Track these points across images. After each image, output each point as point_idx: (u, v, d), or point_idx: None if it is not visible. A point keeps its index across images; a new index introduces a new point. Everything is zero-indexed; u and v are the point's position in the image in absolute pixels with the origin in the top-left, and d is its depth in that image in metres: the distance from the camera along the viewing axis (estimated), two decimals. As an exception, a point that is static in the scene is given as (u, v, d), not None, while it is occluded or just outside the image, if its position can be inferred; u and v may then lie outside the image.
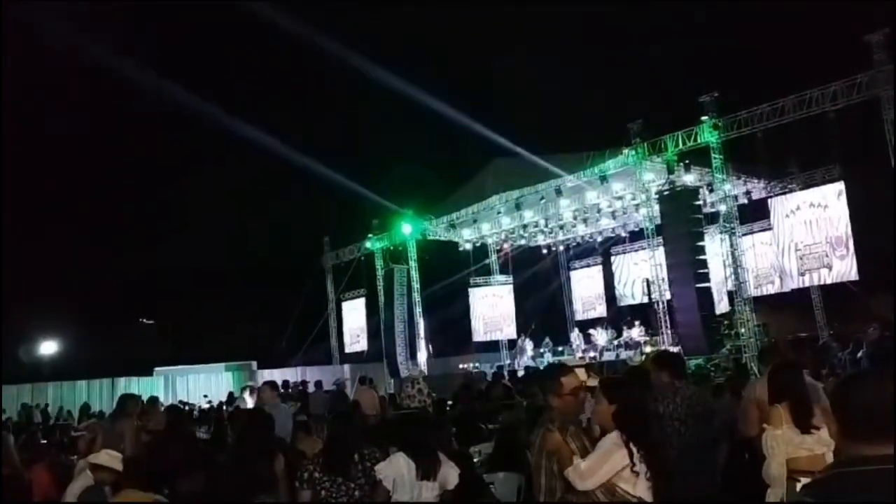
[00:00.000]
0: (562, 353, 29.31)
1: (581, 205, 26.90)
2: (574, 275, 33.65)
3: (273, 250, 32.29)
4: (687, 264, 20.87)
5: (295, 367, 30.30)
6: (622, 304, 30.87)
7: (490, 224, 30.04)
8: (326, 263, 34.03)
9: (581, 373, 5.08)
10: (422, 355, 28.92)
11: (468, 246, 30.62)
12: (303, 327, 31.76)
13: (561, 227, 29.60)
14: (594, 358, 25.81)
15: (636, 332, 26.01)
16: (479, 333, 31.41)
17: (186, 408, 17.71)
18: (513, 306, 31.97)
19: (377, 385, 19.22)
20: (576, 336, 28.92)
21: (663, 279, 22.78)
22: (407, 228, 29.03)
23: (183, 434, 7.85)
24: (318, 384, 18.96)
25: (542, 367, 27.26)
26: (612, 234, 30.48)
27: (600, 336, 27.68)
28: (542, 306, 33.08)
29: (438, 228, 30.10)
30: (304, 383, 22.11)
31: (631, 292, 30.37)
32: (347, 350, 33.12)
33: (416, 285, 29.53)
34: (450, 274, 31.37)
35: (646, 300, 25.79)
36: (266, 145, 28.72)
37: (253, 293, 32.65)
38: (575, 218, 27.82)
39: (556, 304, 33.86)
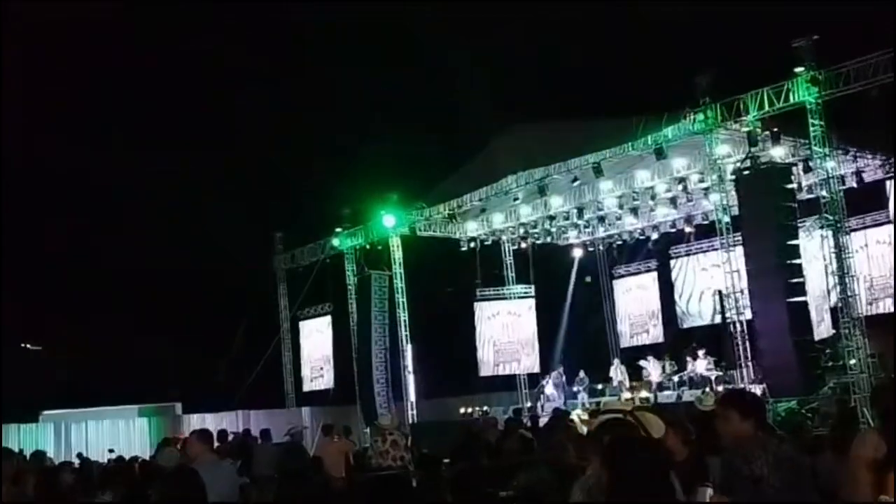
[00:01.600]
0: (602, 393, 29.62)
1: (629, 188, 27.15)
2: (619, 285, 33.95)
3: (206, 251, 32.27)
4: (774, 271, 21.02)
5: (235, 410, 30.34)
6: (684, 325, 31.25)
7: (504, 215, 30.41)
8: (278, 268, 34.32)
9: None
10: (410, 393, 29.11)
11: (473, 245, 30.96)
12: (246, 356, 31.79)
13: (601, 220, 29.88)
14: (647, 400, 26.04)
15: (703, 365, 26.33)
16: (489, 366, 31.74)
17: (82, 465, 17.61)
18: (534, 328, 32.33)
19: (348, 435, 19.26)
20: (620, 369, 29.40)
21: (741, 291, 22.89)
22: (389, 220, 29.21)
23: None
24: (266, 434, 19.00)
25: (575, 411, 27.97)
26: (672, 230, 30.79)
27: (654, 369, 28.19)
28: (576, 328, 33.51)
29: (433, 220, 30.33)
30: (246, 433, 22.16)
31: (697, 309, 30.63)
32: (307, 387, 33.36)
33: (401, 298, 29.69)
34: (448, 283, 31.59)
35: (717, 320, 25.92)
36: (197, 113, 28.98)
37: (178, 310, 32.52)
38: (621, 206, 28.04)
39: (595, 326, 34.20)
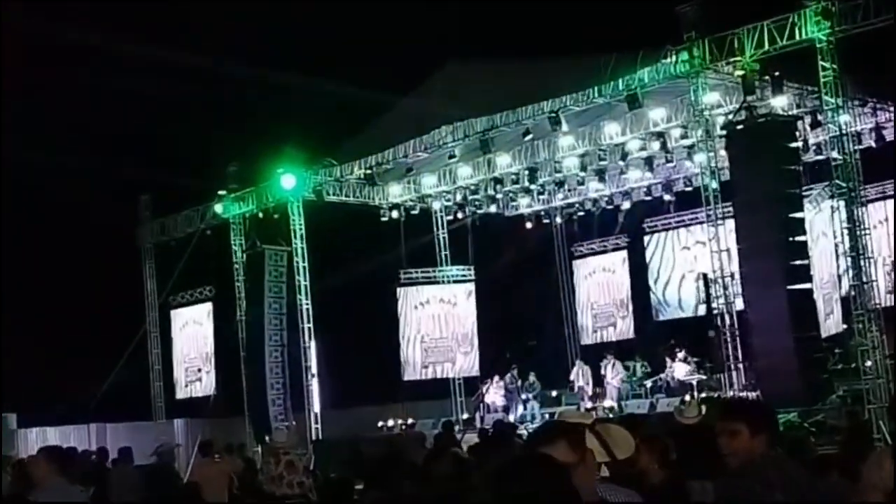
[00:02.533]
0: (557, 401, 29.88)
1: (594, 145, 27.41)
2: (580, 266, 34.22)
3: (45, 221, 31.58)
4: (773, 251, 21.32)
5: (86, 423, 29.92)
6: (661, 317, 31.70)
7: (436, 177, 30.63)
8: (144, 242, 33.96)
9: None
10: (314, 402, 29.04)
11: (397, 214, 31.02)
12: (101, 354, 31.27)
13: (559, 185, 30.05)
14: (611, 410, 26.32)
15: (683, 367, 26.70)
16: (415, 367, 31.87)
17: None
18: (474, 320, 32.53)
19: (235, 454, 19.11)
20: (583, 371, 29.61)
21: (731, 276, 23.16)
22: (288, 181, 29.01)
23: None
24: (127, 454, 18.75)
25: (523, 424, 28.67)
26: (647, 198, 31.16)
27: (619, 372, 28.47)
28: (526, 320, 33.73)
29: (345, 182, 30.23)
30: (102, 452, 21.86)
31: (676, 298, 31.05)
32: (181, 394, 33.13)
33: (303, 282, 29.57)
34: (365, 263, 31.48)
35: (701, 311, 26.29)
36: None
37: (10, 295, 31.77)
38: (583, 168, 28.22)
39: (550, 317, 34.47)
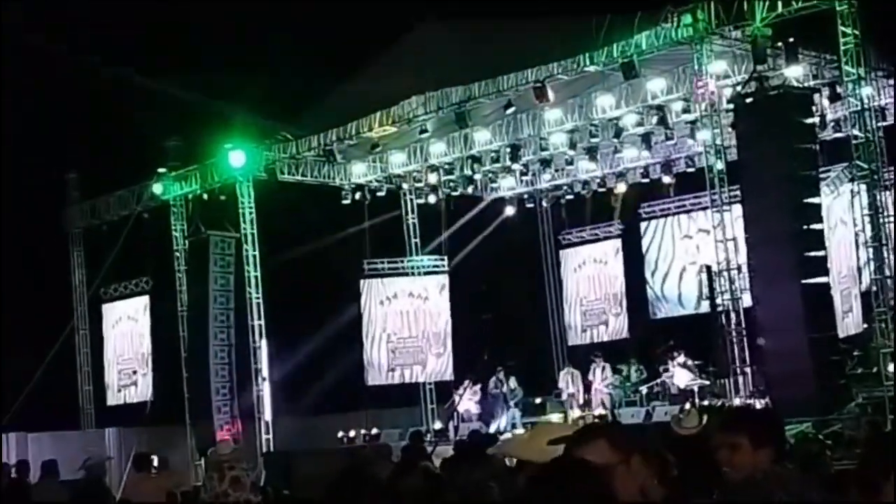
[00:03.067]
0: (541, 409, 30.10)
1: (584, 120, 27.46)
2: (569, 257, 34.36)
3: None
4: (785, 240, 21.45)
5: (5, 433, 29.70)
6: (658, 314, 31.83)
7: (406, 154, 30.61)
8: (71, 225, 33.85)
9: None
10: (265, 410, 28.99)
11: (361, 196, 31.06)
12: (21, 354, 31.06)
13: (545, 164, 30.03)
14: (602, 417, 26.42)
15: (683, 373, 26.82)
16: (380, 370, 31.94)
17: None
18: (447, 317, 32.61)
19: (174, 469, 19.07)
20: (572, 376, 29.80)
21: (738, 268, 23.27)
22: (237, 158, 28.89)
23: None
24: (51, 468, 18.62)
25: (501, 433, 28.30)
26: (644, 180, 31.32)
27: (608, 377, 28.72)
28: (506, 318, 33.81)
29: (301, 160, 30.17)
30: (22, 466, 21.75)
31: (676, 293, 31.18)
32: (113, 400, 33.05)
33: (253, 272, 29.51)
34: (323, 252, 31.41)
35: (704, 308, 26.42)
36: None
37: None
38: (572, 146, 28.23)
39: (533, 314, 34.62)
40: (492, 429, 28.11)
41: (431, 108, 26.60)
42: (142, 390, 32.35)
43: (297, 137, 28.84)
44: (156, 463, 19.03)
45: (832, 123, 25.41)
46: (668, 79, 25.53)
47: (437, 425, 29.82)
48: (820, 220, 21.77)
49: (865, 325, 23.67)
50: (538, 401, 30.06)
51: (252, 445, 27.66)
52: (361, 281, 32.07)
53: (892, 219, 22.38)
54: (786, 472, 6.14)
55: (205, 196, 30.22)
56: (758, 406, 21.31)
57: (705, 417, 12.65)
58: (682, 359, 26.95)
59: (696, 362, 26.61)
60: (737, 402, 23.47)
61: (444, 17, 25.94)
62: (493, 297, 33.89)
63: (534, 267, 34.63)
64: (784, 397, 21.00)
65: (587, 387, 29.23)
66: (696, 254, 29.59)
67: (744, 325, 23.49)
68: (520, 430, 28.09)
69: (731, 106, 23.11)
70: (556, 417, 28.14)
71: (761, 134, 21.95)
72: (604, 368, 28.90)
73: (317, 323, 31.03)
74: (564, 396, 29.42)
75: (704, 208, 26.68)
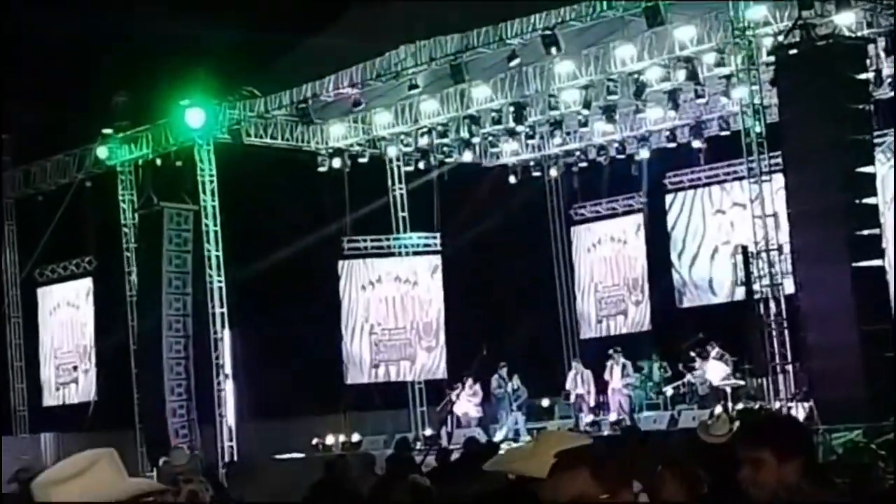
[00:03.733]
0: (549, 413, 30.32)
1: (601, 74, 27.37)
2: (582, 235, 34.42)
3: None
4: (835, 216, 21.39)
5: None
6: (685, 303, 31.97)
7: (392, 114, 30.43)
8: (1, 195, 33.46)
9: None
10: (228, 412, 29.01)
11: (340, 163, 31.07)
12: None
13: (555, 126, 29.93)
14: (618, 424, 26.53)
15: (718, 369, 26.91)
16: (362, 367, 32.01)
17: None
18: (440, 305, 32.62)
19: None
20: (582, 376, 29.76)
21: (779, 249, 23.29)
22: (195, 117, 28.77)
23: None
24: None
25: (506, 443, 28.35)
26: (670, 144, 31.21)
27: (629, 375, 28.81)
28: (509, 306, 33.88)
29: (270, 120, 30.04)
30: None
31: (707, 278, 31.26)
32: (50, 400, 33.08)
33: (214, 251, 29.46)
34: (296, 228, 31.32)
35: (738, 296, 26.45)
36: None
37: None
38: (587, 105, 28.18)
39: (540, 303, 34.66)
40: (496, 436, 28.13)
41: (422, 59, 26.50)
42: (84, 389, 32.30)
43: (265, 94, 28.72)
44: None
45: (889, 80, 25.29)
46: (698, 26, 25.45)
47: (428, 431, 29.89)
48: (874, 193, 21.73)
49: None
50: (545, 403, 30.10)
51: (212, 454, 27.63)
52: (340, 262, 32.09)
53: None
54: (814, 491, 6.15)
55: (158, 162, 30.10)
56: (798, 412, 21.26)
57: (736, 424, 12.67)
58: (717, 351, 26.92)
59: (729, 358, 26.63)
60: (776, 405, 23.50)
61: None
62: (493, 282, 33.86)
63: (541, 247, 34.66)
64: (831, 400, 21.02)
65: (603, 388, 29.20)
66: (729, 232, 29.63)
67: (785, 316, 23.48)
68: (525, 438, 28.20)
69: (772, 59, 23.03)
70: (562, 424, 28.07)
71: (806, 91, 21.89)
72: (623, 366, 28.85)
73: (288, 311, 30.88)
74: (572, 399, 29.40)
75: (740, 178, 26.70)
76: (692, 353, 27.61)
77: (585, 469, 4.64)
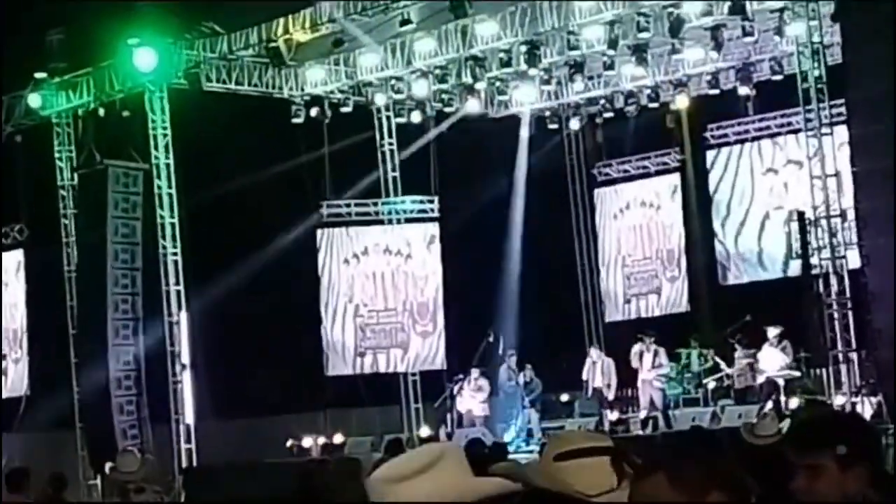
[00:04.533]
0: (569, 410, 30.41)
1: (630, 7, 27.31)
2: (606, 198, 34.62)
3: None
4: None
5: None
6: (730, 279, 32.08)
7: (380, 55, 30.34)
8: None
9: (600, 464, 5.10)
10: (186, 409, 29.13)
11: (318, 113, 31.14)
12: None
13: (574, 69, 29.93)
14: (650, 423, 26.75)
15: (773, 357, 26.93)
16: (346, 356, 32.18)
17: None
18: (439, 281, 32.73)
19: (60, 489, 19.17)
20: (601, 365, 30.10)
21: (842, 215, 23.41)
22: (145, 58, 28.71)
23: None
24: None
25: (513, 444, 28.36)
26: (712, 91, 31.35)
27: (662, 364, 29.02)
28: (521, 283, 33.92)
29: (235, 62, 30.02)
30: None
31: (755, 250, 31.39)
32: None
33: (168, 218, 29.52)
34: (266, 190, 31.34)
35: (793, 271, 26.64)
36: None
37: None
38: (612, 44, 28.21)
39: (558, 279, 34.84)
40: (505, 437, 28.23)
41: (418, -11, 26.60)
42: (14, 382, 32.33)
43: (229, 31, 28.72)
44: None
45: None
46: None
47: (425, 431, 30.03)
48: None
49: None
50: (564, 398, 30.18)
51: (167, 459, 27.74)
52: (319, 231, 32.22)
53: None
54: (885, 497, 6.19)
55: (100, 112, 29.98)
56: (864, 408, 21.33)
57: (786, 423, 12.73)
58: (775, 335, 26.84)
59: (785, 342, 26.63)
60: (838, 400, 23.58)
61: None
62: (501, 255, 33.87)
63: (559, 213, 34.76)
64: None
65: (630, 379, 29.28)
66: (783, 195, 29.68)
67: (849, 295, 23.52)
68: (538, 436, 28.33)
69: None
70: (584, 423, 28.13)
71: (876, 27, 21.86)
72: (655, 353, 28.88)
73: (257, 289, 30.89)
74: (589, 393, 29.57)
75: (795, 131, 26.75)
76: (736, 340, 27.64)
77: (662, 476, 4.68)
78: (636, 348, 29.13)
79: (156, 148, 29.70)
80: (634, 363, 29.11)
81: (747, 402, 25.97)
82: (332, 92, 31.35)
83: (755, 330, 27.58)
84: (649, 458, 4.62)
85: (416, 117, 32.30)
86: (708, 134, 32.24)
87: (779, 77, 29.39)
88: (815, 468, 6.05)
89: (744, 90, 30.74)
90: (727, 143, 31.89)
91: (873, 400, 22.30)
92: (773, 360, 26.77)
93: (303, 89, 31.12)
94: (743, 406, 25.65)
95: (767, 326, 27.14)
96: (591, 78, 31.25)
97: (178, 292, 29.56)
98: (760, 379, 27.03)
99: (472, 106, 32.32)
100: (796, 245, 25.07)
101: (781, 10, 26.02)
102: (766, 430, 13.20)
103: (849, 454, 6.14)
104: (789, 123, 28.97)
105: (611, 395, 29.49)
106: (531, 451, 25.99)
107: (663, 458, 4.60)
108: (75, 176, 30.96)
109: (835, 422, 7.16)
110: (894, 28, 21.54)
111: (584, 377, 29.97)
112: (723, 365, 28.27)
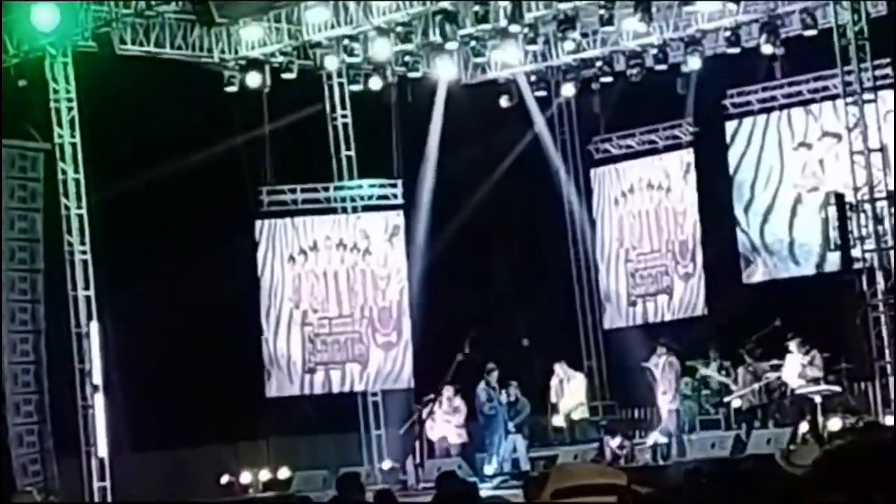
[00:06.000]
0: (564, 434, 30.31)
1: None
2: (606, 178, 34.71)
3: None
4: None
5: None
6: (756, 277, 32.19)
7: (330, 9, 30.24)
8: None
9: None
10: (98, 439, 28.99)
11: (257, 80, 31.14)
12: None
13: (567, 24, 29.87)
14: (660, 451, 26.59)
15: (797, 369, 26.91)
16: (292, 372, 32.22)
17: None
18: (404, 282, 32.83)
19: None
20: (563, 381, 30.34)
21: (889, 198, 23.26)
22: (45, 16, 28.63)
23: None
24: None
25: (494, 480, 28.57)
26: (732, 50, 31.11)
27: (671, 378, 29.17)
28: (503, 284, 33.99)
29: (154, 19, 29.86)
30: None
31: (786, 240, 31.44)
32: None
33: (74, 208, 29.45)
34: (195, 176, 31.23)
35: (831, 266, 26.69)
36: None
37: None
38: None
39: (547, 277, 34.81)
40: (486, 469, 28.22)
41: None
42: None
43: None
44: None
45: None
46: None
47: (387, 464, 30.01)
48: None
49: None
50: (556, 421, 30.07)
51: (75, 500, 27.59)
52: (258, 222, 32.25)
53: None
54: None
55: (-7, 79, 29.95)
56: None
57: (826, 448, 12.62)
58: (798, 343, 26.87)
59: (822, 355, 26.57)
60: (888, 420, 23.56)
61: None
62: (479, 249, 33.82)
63: (548, 198, 34.75)
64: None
65: (639, 397, 29.34)
66: (818, 174, 29.67)
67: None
68: (525, 467, 28.31)
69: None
70: (580, 451, 28.12)
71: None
72: (667, 366, 28.87)
73: (184, 294, 30.77)
74: (559, 419, 29.68)
75: (833, 98, 26.72)
76: (747, 350, 27.70)
77: None
78: (654, 363, 29.16)
79: (59, 124, 29.63)
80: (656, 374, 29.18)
81: (779, 425, 25.88)
82: (272, 55, 31.26)
83: (783, 337, 27.58)
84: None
85: (374, 84, 32.11)
86: (727, 101, 32.28)
87: (812, 32, 29.24)
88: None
89: (769, 49, 30.58)
90: (750, 113, 31.92)
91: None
92: (797, 374, 26.71)
93: (237, 52, 31.09)
94: (774, 429, 25.59)
95: (788, 339, 27.14)
96: (585, 35, 31.19)
97: (87, 298, 29.43)
98: (777, 395, 27.10)
99: (443, 70, 32.23)
100: (834, 234, 25.02)
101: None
102: (803, 458, 13.06)
103: (860, 485, 6.02)
104: (825, 88, 28.93)
105: (583, 415, 30.08)
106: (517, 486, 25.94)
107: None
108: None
109: (862, 451, 6.99)
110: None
111: (553, 400, 30.25)
112: (729, 381, 28.30)
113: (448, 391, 29.46)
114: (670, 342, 29.65)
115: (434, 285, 32.80)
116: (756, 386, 27.46)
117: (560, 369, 30.47)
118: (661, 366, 28.91)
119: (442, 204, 33.45)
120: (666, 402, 28.82)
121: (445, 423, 29.46)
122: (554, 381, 30.36)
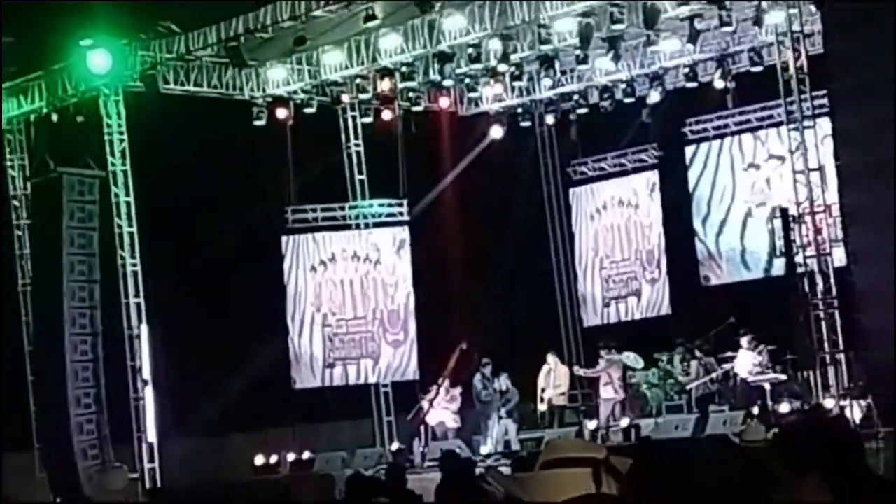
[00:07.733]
0: (549, 419, 30.27)
1: (603, -1, 27.54)
2: (582, 198, 34.65)
3: None
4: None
5: None
6: (712, 280, 32.23)
7: (345, 52, 30.25)
8: None
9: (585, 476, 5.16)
10: (148, 427, 29.15)
11: (283, 114, 31.04)
12: None
13: (547, 63, 29.88)
14: (631, 432, 26.98)
15: (747, 361, 27.13)
16: (314, 367, 32.25)
17: None
18: (409, 289, 32.81)
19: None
20: (553, 373, 30.28)
21: (827, 211, 23.48)
22: (100, 60, 28.57)
23: None
24: None
25: (490, 459, 28.78)
26: (690, 84, 31.15)
27: (609, 372, 29.33)
28: (495, 289, 33.99)
29: (194, 63, 30.04)
30: None
31: (737, 249, 31.52)
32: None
33: (127, 227, 29.50)
34: (229, 196, 31.22)
35: (777, 271, 26.79)
36: None
37: None
38: (586, 36, 27.98)
39: (533, 283, 34.86)
40: (481, 450, 28.29)
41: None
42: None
43: (186, 30, 28.65)
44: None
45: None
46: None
47: (395, 446, 30.10)
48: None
49: None
50: (543, 407, 30.17)
51: (126, 480, 27.67)
52: (284, 238, 32.20)
53: None
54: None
55: (54, 117, 29.94)
56: (852, 411, 21.44)
57: (773, 431, 12.85)
58: (748, 338, 27.09)
59: (767, 348, 26.73)
60: (828, 403, 23.65)
61: None
62: (474, 259, 33.82)
63: (533, 214, 34.81)
64: (894, 397, 21.10)
65: (615, 384, 29.45)
66: (765, 191, 29.79)
67: (835, 294, 23.59)
68: (516, 447, 28.41)
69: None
70: (563, 433, 28.17)
71: (860, 15, 21.89)
72: (635, 360, 29.26)
73: (220, 300, 30.88)
74: (543, 405, 29.98)
75: (777, 125, 26.84)
76: (696, 346, 27.98)
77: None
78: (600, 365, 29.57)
79: (112, 154, 29.65)
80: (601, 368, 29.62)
81: (734, 409, 26.02)
82: (295, 92, 31.35)
83: (737, 333, 27.74)
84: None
85: (384, 116, 32.26)
86: (686, 129, 32.40)
87: (758, 68, 29.46)
88: (793, 481, 6.13)
89: (722, 83, 30.80)
90: (706, 138, 32.04)
91: (862, 403, 22.37)
92: (746, 365, 26.91)
93: (264, 90, 31.12)
94: (730, 412, 25.72)
95: (740, 335, 27.31)
96: (563, 73, 31.36)
97: (138, 305, 29.49)
98: (732, 383, 27.28)
99: (442, 104, 32.39)
100: (780, 243, 25.13)
101: (760, -2, 26.12)
102: (751, 436, 13.34)
103: (798, 457, 6.23)
104: (770, 116, 29.10)
105: (563, 402, 30.23)
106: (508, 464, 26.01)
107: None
108: (28, 185, 30.85)
109: (812, 430, 7.19)
110: (875, 16, 21.63)
111: (541, 385, 30.19)
112: (679, 374, 28.52)
113: (446, 383, 29.58)
114: (609, 341, 29.97)
115: (435, 292, 32.89)
116: (705, 378, 27.68)
117: (552, 359, 30.58)
118: (603, 364, 29.19)
119: (442, 222, 33.45)
120: (608, 392, 29.19)
121: (444, 409, 29.53)
122: (543, 370, 30.37)
